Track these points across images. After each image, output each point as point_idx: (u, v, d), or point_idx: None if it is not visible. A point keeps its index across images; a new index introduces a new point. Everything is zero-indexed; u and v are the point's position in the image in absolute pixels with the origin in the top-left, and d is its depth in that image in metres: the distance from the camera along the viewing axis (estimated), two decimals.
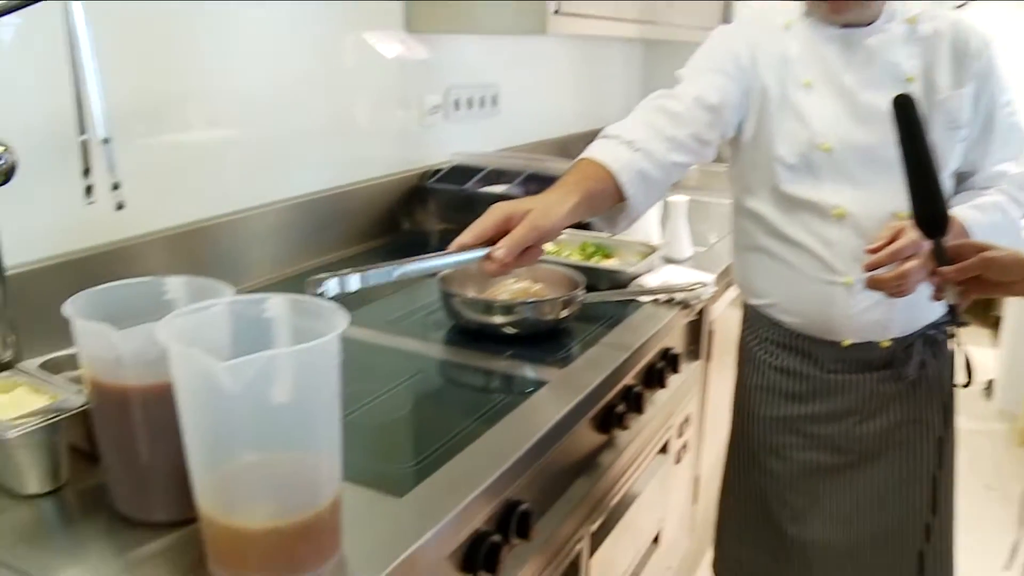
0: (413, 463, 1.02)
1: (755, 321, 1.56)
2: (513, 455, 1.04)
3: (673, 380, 1.67)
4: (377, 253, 1.97)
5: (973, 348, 4.04)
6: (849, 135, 1.37)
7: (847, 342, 1.44)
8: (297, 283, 1.74)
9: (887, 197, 1.34)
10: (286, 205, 1.77)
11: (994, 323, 4.03)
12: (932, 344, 1.45)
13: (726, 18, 3.43)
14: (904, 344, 1.43)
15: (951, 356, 1.44)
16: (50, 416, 0.91)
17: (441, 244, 2.07)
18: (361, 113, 1.99)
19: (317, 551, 0.80)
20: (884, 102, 1.23)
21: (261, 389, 0.71)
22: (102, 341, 0.79)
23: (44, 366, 1.03)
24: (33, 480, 0.92)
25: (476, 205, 2.12)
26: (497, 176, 2.20)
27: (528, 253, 1.19)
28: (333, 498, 0.80)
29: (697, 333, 1.90)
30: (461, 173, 2.19)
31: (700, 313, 1.85)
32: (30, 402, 0.95)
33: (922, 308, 1.40)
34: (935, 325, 1.45)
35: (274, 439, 0.76)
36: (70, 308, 0.82)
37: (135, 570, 0.81)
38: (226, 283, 0.91)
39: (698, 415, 1.98)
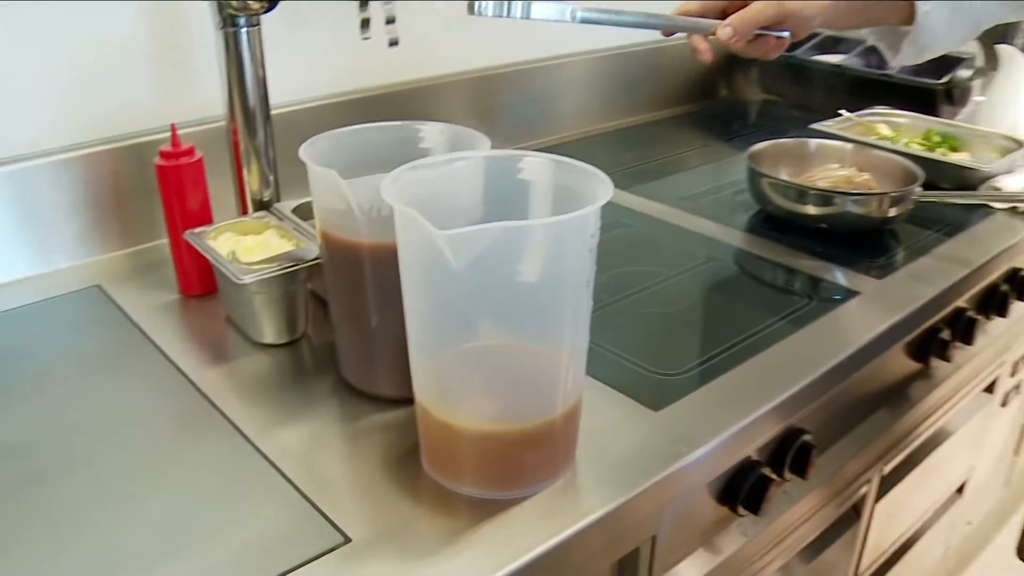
0: (681, 370, 0.87)
1: None
2: (805, 377, 0.86)
3: (1016, 308, 1.38)
4: (690, 118, 1.78)
5: None
6: None
7: None
8: (598, 144, 1.63)
9: None
10: (594, 57, 1.62)
11: None
12: None
13: None
14: None
15: None
16: (286, 265, 0.84)
17: (760, 117, 1.89)
18: None
19: (544, 465, 0.68)
20: None
21: (490, 266, 0.58)
22: (331, 190, 0.69)
23: (296, 210, 0.97)
24: (269, 329, 0.87)
25: (805, 75, 1.87)
26: (833, 44, 1.91)
27: (763, 41, 0.98)
28: (570, 404, 0.67)
29: None
30: None
31: None
32: (275, 247, 0.89)
33: None
34: None
35: (503, 326, 0.63)
36: (307, 151, 0.73)
37: (350, 443, 0.74)
38: (482, 135, 0.79)
39: None
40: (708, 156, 1.54)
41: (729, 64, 1.92)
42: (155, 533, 0.64)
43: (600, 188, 0.64)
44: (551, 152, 1.41)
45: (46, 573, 0.61)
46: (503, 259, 0.58)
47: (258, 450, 0.73)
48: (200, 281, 0.96)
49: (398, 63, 1.32)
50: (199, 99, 1.10)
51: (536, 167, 0.70)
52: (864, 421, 1.10)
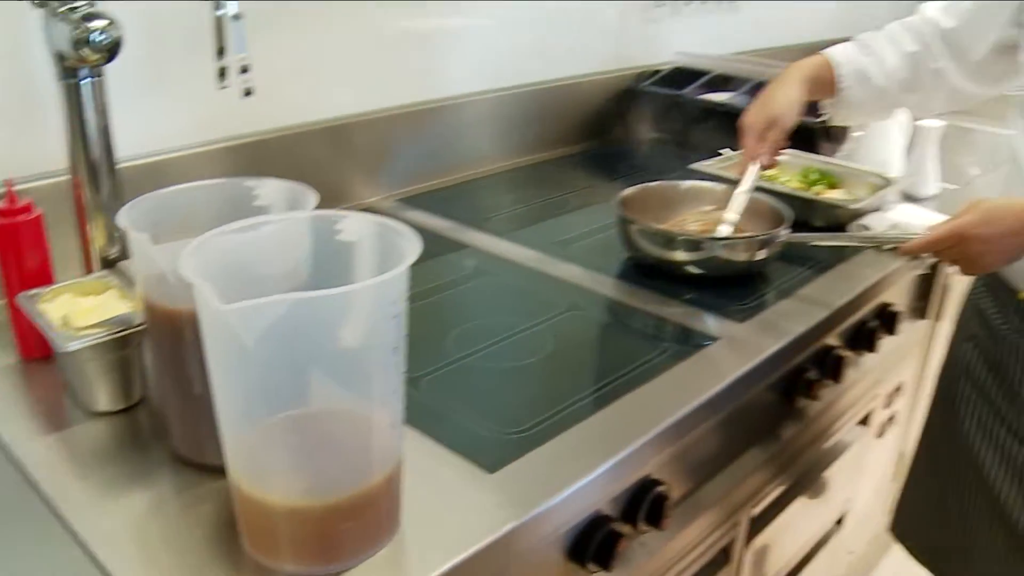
0: (527, 426, 0.86)
1: None
2: (653, 427, 0.86)
3: (887, 343, 1.41)
4: (581, 158, 1.78)
5: None
6: None
7: (1023, 295, 1.18)
8: (483, 186, 1.62)
9: None
10: (486, 98, 1.62)
11: None
12: None
13: None
14: None
15: None
16: (116, 330, 0.81)
17: (648, 156, 1.90)
18: (577, 2, 1.79)
19: (365, 536, 0.66)
20: None
21: (285, 338, 0.57)
22: (145, 255, 0.68)
23: None
24: (102, 396, 0.84)
25: (695, 114, 1.89)
26: (723, 82, 1.94)
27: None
28: (387, 473, 0.66)
29: (928, 288, 1.61)
30: (683, 76, 1.96)
31: (935, 265, 1.56)
32: (112, 309, 0.86)
33: None
34: None
35: (306, 398, 0.62)
36: (126, 215, 0.71)
37: (175, 519, 0.71)
38: (313, 192, 0.77)
39: (914, 384, 1.70)
40: (589, 198, 1.55)
41: (621, 102, 1.93)
42: None
43: (410, 248, 0.62)
44: (434, 196, 1.41)
45: None
46: (298, 331, 0.57)
47: (73, 534, 0.70)
48: (40, 344, 0.93)
49: (278, 111, 1.31)
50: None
51: (356, 226, 0.69)
52: (732, 464, 1.11)
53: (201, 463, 0.77)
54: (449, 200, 1.49)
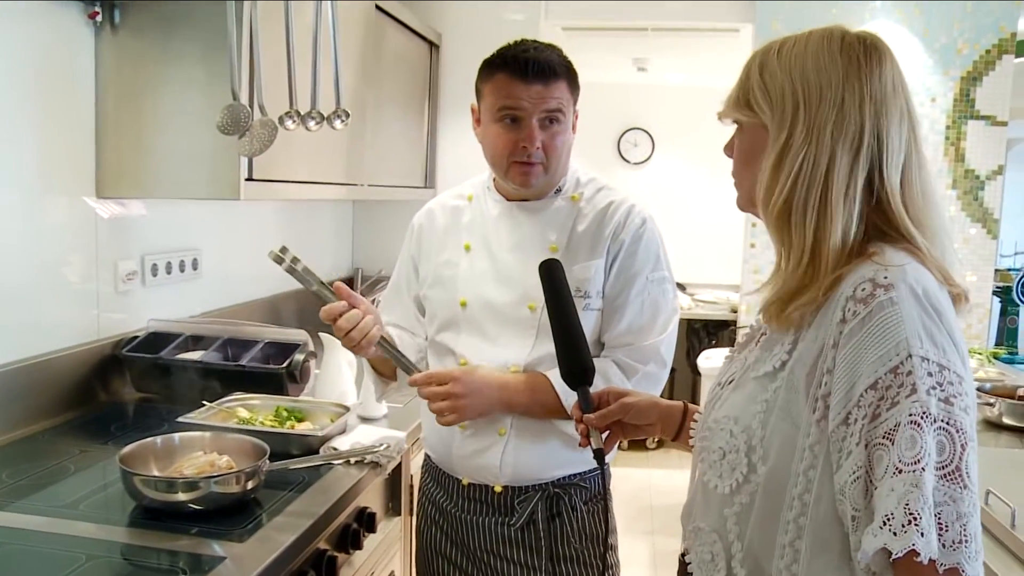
0: None
1: (427, 458, 1.72)
2: None
3: (371, 540, 1.71)
4: (71, 426, 1.89)
5: (676, 472, 4.29)
6: (486, 293, 1.55)
7: (465, 481, 1.59)
8: None
9: (507, 350, 1.52)
10: None
11: None
12: (550, 499, 1.56)
13: (429, 178, 3.64)
14: (519, 493, 1.56)
15: (578, 513, 1.57)
16: None
17: (137, 416, 2.06)
18: (52, 281, 1.94)
19: None
20: (524, 266, 1.47)
21: None
22: None
23: None
24: None
25: (172, 373, 2.10)
26: (194, 342, 2.19)
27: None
28: None
29: (396, 489, 1.95)
30: (158, 340, 2.17)
31: (398, 468, 1.91)
32: None
33: (538, 464, 1.55)
34: (560, 483, 1.57)
35: None
36: None
37: None
38: None
39: (403, 571, 2.02)
40: (87, 461, 1.68)
41: (103, 369, 2.07)
42: None
43: None
44: None
45: None
46: None
47: None
48: None
49: None
50: None
51: None
52: None
53: None
54: None
